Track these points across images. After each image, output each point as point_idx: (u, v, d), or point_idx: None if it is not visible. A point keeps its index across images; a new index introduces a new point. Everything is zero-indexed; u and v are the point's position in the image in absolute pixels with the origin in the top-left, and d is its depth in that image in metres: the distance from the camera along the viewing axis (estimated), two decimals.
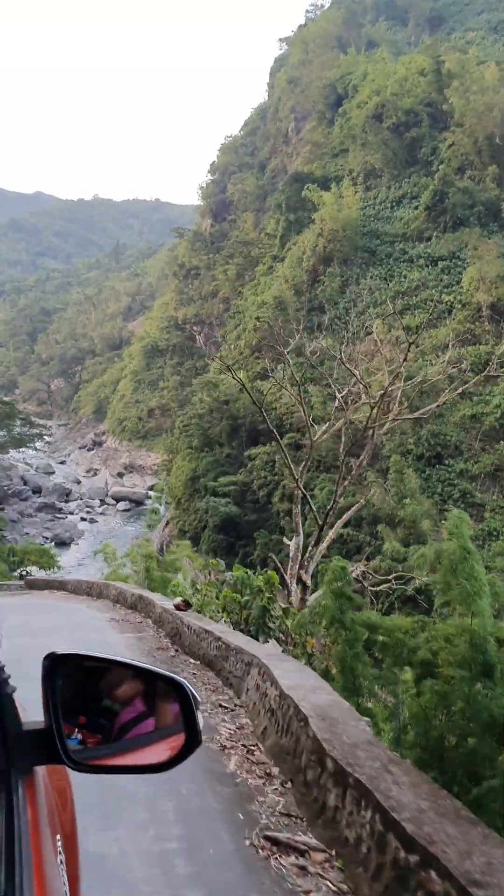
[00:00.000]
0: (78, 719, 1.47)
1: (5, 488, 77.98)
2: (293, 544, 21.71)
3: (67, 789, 2.05)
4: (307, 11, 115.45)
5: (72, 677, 1.47)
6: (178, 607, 11.68)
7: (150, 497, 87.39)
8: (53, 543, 66.03)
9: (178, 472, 56.87)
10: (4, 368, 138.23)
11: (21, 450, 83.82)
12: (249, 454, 49.67)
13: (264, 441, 50.65)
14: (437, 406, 37.43)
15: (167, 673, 1.51)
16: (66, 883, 1.53)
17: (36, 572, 37.94)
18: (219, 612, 11.51)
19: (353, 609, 10.90)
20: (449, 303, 50.49)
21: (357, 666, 10.14)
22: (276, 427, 52.20)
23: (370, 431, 23.78)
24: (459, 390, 38.78)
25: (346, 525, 42.91)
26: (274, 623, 10.82)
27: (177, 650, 10.30)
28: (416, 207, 57.68)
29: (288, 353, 47.90)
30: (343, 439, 25.77)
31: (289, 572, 21.01)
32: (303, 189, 63.51)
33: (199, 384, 57.55)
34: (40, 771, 1.55)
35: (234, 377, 28.78)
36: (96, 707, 1.51)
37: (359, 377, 28.28)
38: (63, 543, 66.63)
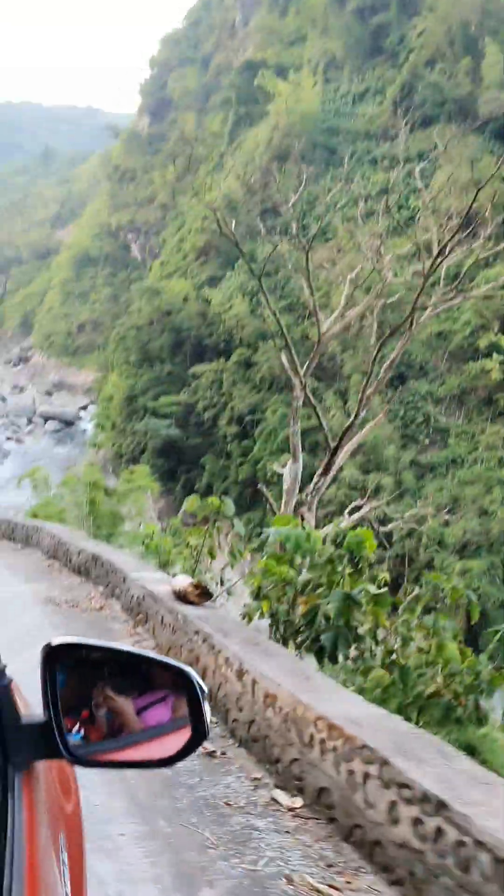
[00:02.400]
0: (81, 713, 1.36)
1: None
2: (288, 472, 16.44)
3: (72, 786, 1.96)
4: None
5: (72, 668, 1.37)
6: (182, 595, 6.23)
7: (81, 418, 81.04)
8: None
9: (114, 389, 50.60)
10: None
11: None
12: (194, 372, 43.76)
13: (210, 358, 44.81)
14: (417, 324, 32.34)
15: (174, 662, 1.42)
16: (68, 883, 1.44)
17: None
18: (252, 599, 5.94)
19: None
20: (416, 208, 44.82)
21: None
22: (225, 342, 46.43)
23: (411, 320, 18.34)
24: (440, 308, 33.74)
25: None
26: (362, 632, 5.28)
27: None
28: (381, 103, 51.06)
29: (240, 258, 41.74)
30: (375, 325, 20.35)
31: (282, 508, 15.84)
32: (255, 78, 55.90)
33: (137, 291, 50.69)
34: (41, 767, 1.46)
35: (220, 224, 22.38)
36: (99, 699, 1.38)
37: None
38: None
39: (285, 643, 5.48)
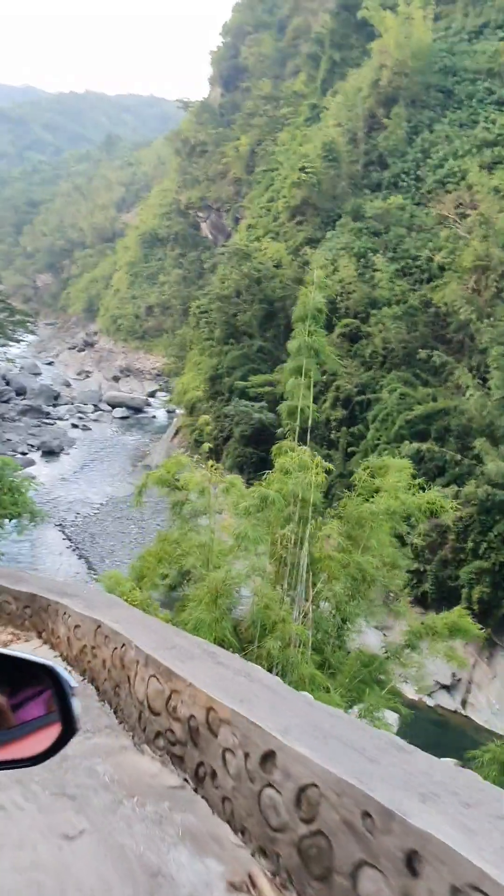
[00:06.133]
0: None
1: None
2: None
3: None
4: None
5: None
6: None
7: (149, 404, 75.06)
8: (40, 452, 53.76)
9: (194, 369, 44.04)
10: None
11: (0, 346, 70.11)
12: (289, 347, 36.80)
13: None
14: None
15: (37, 658, 1.36)
16: None
17: None
18: None
19: None
20: None
21: None
22: (328, 311, 39.27)
23: None
24: None
25: (424, 438, 30.91)
26: None
27: None
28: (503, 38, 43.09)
29: (343, 215, 34.52)
30: None
31: None
32: (351, 19, 48.39)
33: (226, 254, 43.68)
34: None
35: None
36: None
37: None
38: (51, 452, 54.18)
39: None
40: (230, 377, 39.93)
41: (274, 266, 39.62)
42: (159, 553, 11.46)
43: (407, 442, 30.13)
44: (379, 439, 31.84)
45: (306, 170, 39.37)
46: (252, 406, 36.56)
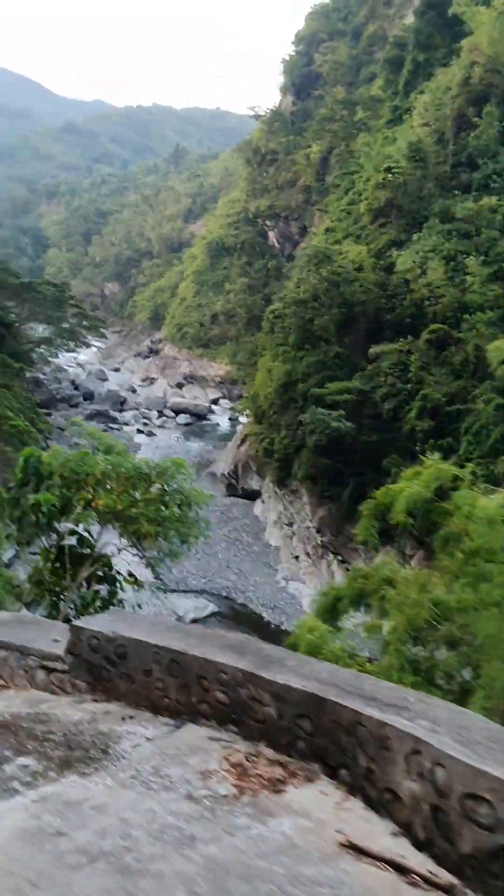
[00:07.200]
0: None
1: (53, 392, 64.77)
2: None
3: None
4: None
5: None
6: None
7: (213, 411, 74.11)
8: None
9: (266, 375, 42.53)
10: (56, 270, 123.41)
11: (71, 352, 70.12)
12: (375, 352, 34.88)
13: (391, 336, 35.84)
14: None
15: None
16: None
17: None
18: None
19: None
20: None
21: None
22: (413, 316, 37.28)
23: None
24: None
25: None
26: None
27: None
28: None
29: (430, 217, 32.68)
30: None
31: None
32: (436, 18, 46.56)
33: (305, 256, 42.06)
34: None
35: None
36: None
37: None
38: None
39: None
40: (305, 384, 38.28)
41: (355, 269, 37.87)
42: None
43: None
44: (472, 453, 29.67)
45: (392, 170, 37.56)
46: (329, 414, 34.77)
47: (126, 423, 64.57)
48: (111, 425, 62.65)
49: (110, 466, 6.69)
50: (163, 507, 8.16)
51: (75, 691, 3.11)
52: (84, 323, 60.97)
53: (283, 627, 33.06)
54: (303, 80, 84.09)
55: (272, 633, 32.11)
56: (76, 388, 70.79)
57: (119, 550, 8.59)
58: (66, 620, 6.55)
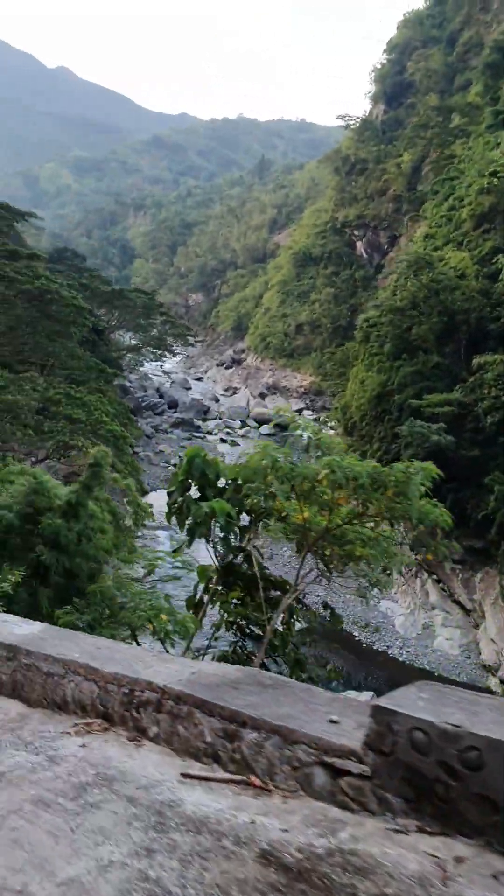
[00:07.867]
0: None
1: (139, 399, 65.26)
2: None
3: None
4: None
5: None
6: None
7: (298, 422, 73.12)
8: None
9: (357, 386, 41.34)
10: (142, 280, 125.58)
11: (156, 361, 70.73)
12: (479, 362, 33.21)
13: (496, 346, 34.10)
14: None
15: None
16: None
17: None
18: None
19: None
20: None
21: None
22: None
23: None
24: None
25: None
26: None
27: None
28: None
29: None
30: None
31: None
32: None
33: (403, 263, 40.76)
34: None
35: None
36: None
37: None
38: None
39: None
40: (401, 395, 36.89)
41: (457, 276, 36.31)
42: None
43: None
44: None
45: (497, 175, 35.92)
46: (429, 427, 33.26)
47: (209, 432, 64.46)
48: (195, 434, 62.69)
49: (337, 471, 5.74)
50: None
51: (384, 810, 2.05)
52: (172, 330, 61.14)
53: (374, 647, 31.96)
54: (394, 88, 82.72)
55: (364, 653, 30.96)
56: (161, 396, 71.22)
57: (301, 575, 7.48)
58: (262, 666, 5.60)
